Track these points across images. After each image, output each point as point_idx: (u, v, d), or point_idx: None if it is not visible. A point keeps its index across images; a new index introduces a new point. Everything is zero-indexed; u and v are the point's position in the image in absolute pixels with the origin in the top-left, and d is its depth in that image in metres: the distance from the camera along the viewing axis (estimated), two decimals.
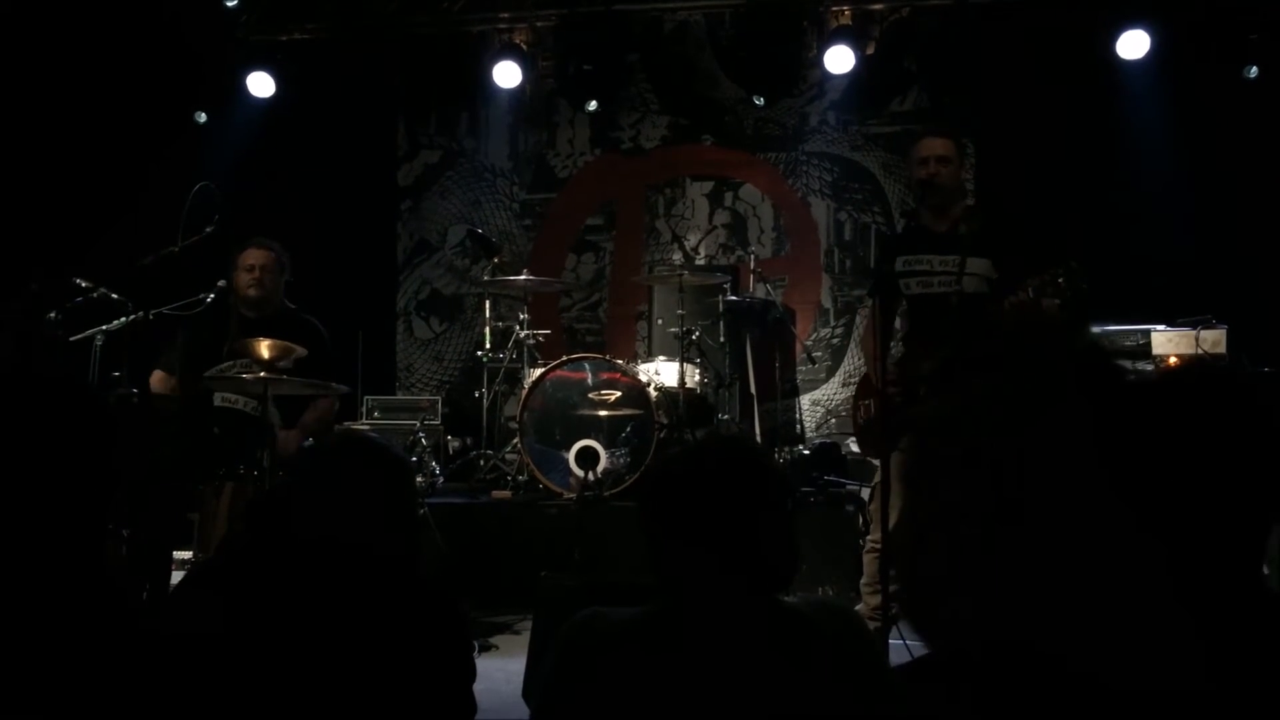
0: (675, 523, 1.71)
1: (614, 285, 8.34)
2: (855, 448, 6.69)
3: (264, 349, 4.42)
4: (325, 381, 4.75)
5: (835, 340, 7.98)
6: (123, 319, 4.84)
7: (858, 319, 7.75)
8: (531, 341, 6.67)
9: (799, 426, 7.64)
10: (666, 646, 1.66)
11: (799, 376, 7.71)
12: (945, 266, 4.25)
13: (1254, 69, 6.72)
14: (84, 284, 4.89)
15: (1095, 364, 1.07)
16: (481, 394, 6.84)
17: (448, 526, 5.46)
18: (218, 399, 4.87)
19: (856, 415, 4.67)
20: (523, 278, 6.63)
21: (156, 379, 5.01)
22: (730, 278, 7.00)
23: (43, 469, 1.46)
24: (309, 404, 5.06)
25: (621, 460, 6.02)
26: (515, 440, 6.36)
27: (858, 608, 4.36)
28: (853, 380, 7.33)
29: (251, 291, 4.97)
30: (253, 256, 5.01)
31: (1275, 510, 1.05)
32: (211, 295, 4.96)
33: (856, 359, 7.58)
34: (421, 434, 5.84)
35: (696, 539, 1.68)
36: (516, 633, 5.05)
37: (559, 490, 6.00)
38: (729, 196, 8.24)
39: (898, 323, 4.59)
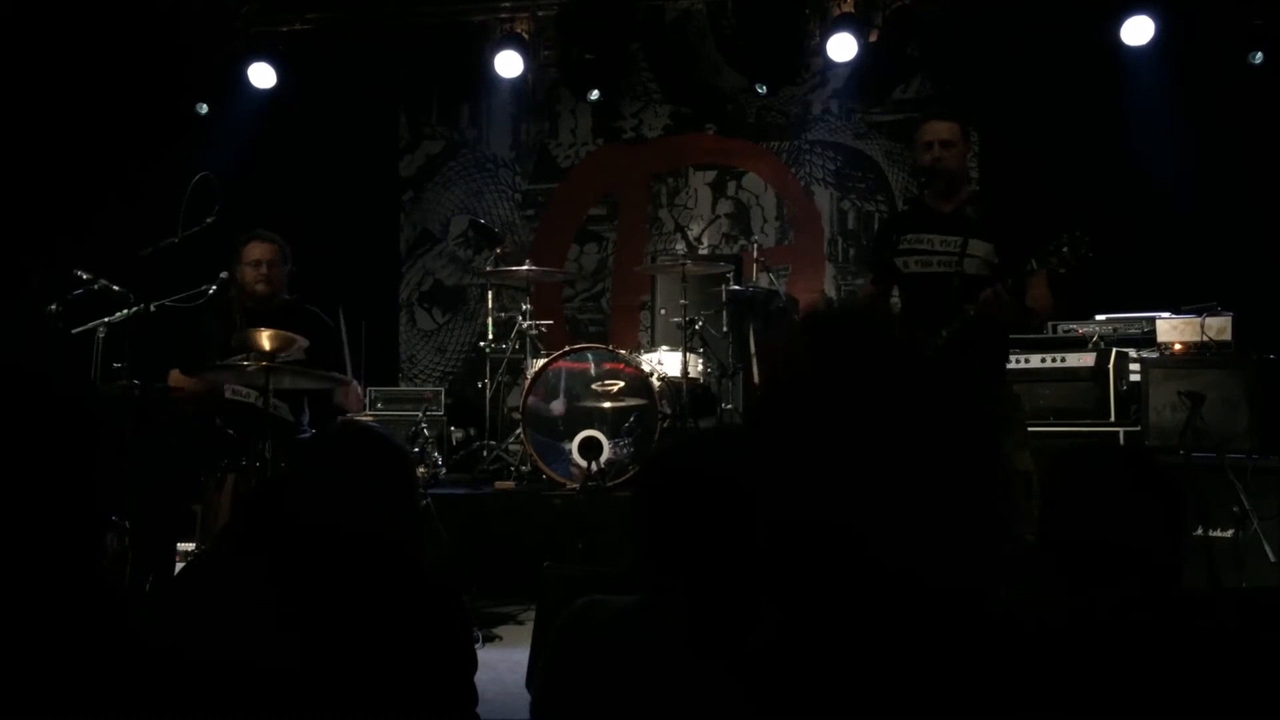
0: (674, 514, 1.69)
1: (617, 275, 8.33)
2: None
3: (266, 340, 4.42)
4: (329, 373, 4.74)
5: None
6: (125, 311, 4.83)
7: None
8: (534, 332, 6.66)
9: None
10: (664, 635, 1.65)
11: None
12: (946, 247, 4.22)
13: (1259, 54, 6.68)
14: (85, 276, 4.88)
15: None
16: (484, 385, 6.83)
17: (450, 517, 5.45)
18: (228, 390, 4.87)
19: None
20: (525, 268, 6.62)
21: (175, 379, 4.98)
22: (733, 267, 6.98)
23: (18, 465, 1.44)
24: (317, 394, 5.05)
25: (625, 450, 6.02)
26: (518, 431, 6.35)
27: None
28: None
29: (259, 287, 4.97)
30: (257, 251, 4.99)
31: None
32: (214, 287, 4.96)
33: None
34: (424, 425, 5.84)
35: (695, 531, 1.67)
36: (520, 623, 5.05)
37: (562, 481, 5.99)
38: (732, 186, 8.22)
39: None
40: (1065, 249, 3.87)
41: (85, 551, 1.54)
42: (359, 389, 5.21)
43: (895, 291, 4.52)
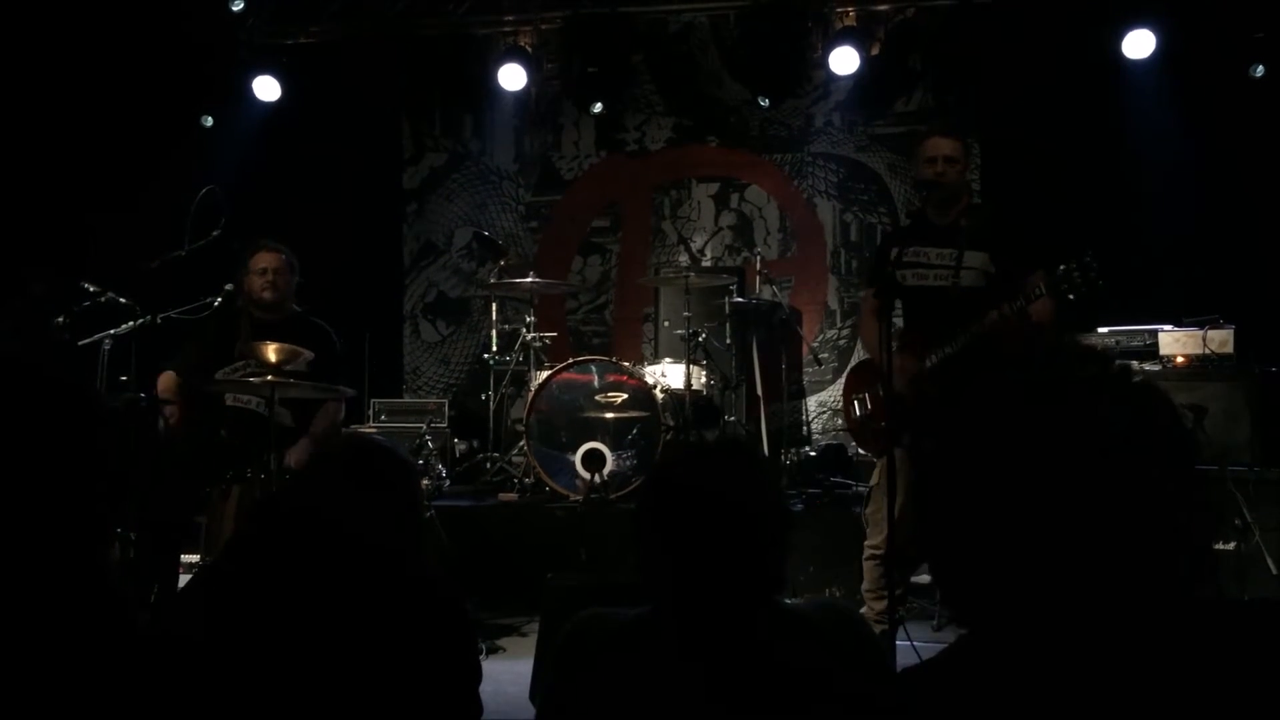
0: (679, 528, 1.70)
1: (620, 287, 8.35)
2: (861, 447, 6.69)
3: (271, 352, 4.44)
4: (332, 385, 4.76)
5: (842, 342, 7.98)
6: (130, 323, 4.85)
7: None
8: (538, 344, 6.67)
9: (805, 428, 7.63)
10: (667, 647, 1.66)
11: (805, 378, 7.70)
12: (942, 260, 4.24)
13: (1260, 68, 6.70)
14: (91, 288, 4.90)
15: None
16: (488, 396, 6.84)
17: (454, 529, 5.46)
18: (229, 399, 4.90)
19: (850, 411, 4.64)
20: (529, 280, 6.64)
21: (165, 380, 5.01)
22: (736, 279, 7.00)
23: (24, 462, 1.45)
24: (320, 407, 5.07)
25: (628, 462, 6.03)
26: (521, 443, 6.36)
27: (861, 610, 4.33)
28: None
29: (266, 295, 5.00)
30: (264, 260, 5.03)
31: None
32: (219, 299, 4.98)
33: (852, 365, 7.57)
34: (428, 437, 5.84)
35: (698, 544, 1.68)
36: (523, 635, 5.06)
37: (565, 492, 6.00)
38: (735, 198, 8.24)
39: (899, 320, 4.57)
40: (1076, 274, 3.89)
41: (91, 560, 1.55)
42: (339, 411, 5.18)
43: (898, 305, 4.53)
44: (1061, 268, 3.95)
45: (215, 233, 4.88)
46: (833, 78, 7.65)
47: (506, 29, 7.76)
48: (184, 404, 4.93)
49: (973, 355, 1.25)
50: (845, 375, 4.86)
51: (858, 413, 4.58)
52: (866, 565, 4.42)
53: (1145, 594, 1.06)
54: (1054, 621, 1.06)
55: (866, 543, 4.42)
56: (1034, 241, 4.28)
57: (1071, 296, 3.97)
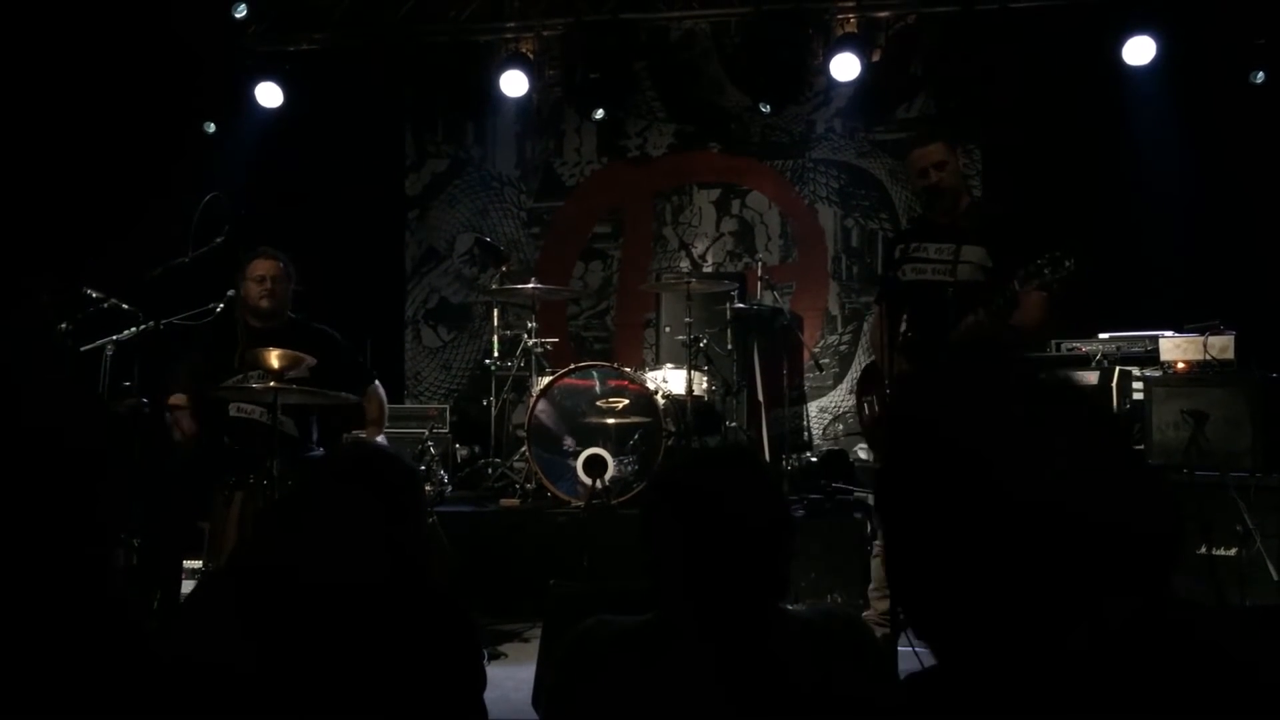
0: (682, 534, 1.71)
1: (621, 293, 8.36)
2: (863, 454, 6.69)
3: (274, 359, 4.45)
4: (336, 391, 4.76)
5: (843, 347, 7.99)
6: (133, 329, 4.85)
7: (865, 322, 7.77)
8: (539, 349, 6.68)
9: (807, 433, 7.64)
10: (670, 654, 1.67)
11: (807, 383, 7.71)
12: (941, 255, 4.26)
13: (1260, 74, 6.72)
14: (94, 294, 4.91)
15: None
16: (489, 402, 6.85)
17: (456, 535, 5.46)
18: (233, 408, 4.90)
19: (861, 413, 4.68)
20: (530, 286, 6.65)
21: (176, 402, 4.99)
22: (738, 285, 7.01)
23: (26, 467, 1.45)
24: (325, 411, 5.08)
25: (629, 468, 6.03)
26: (523, 448, 6.37)
27: (865, 614, 4.36)
28: None
29: (264, 303, 5.00)
30: (262, 267, 5.03)
31: None
32: (221, 305, 4.99)
33: (864, 365, 7.58)
34: (430, 442, 5.85)
35: (701, 550, 1.69)
36: (525, 640, 5.06)
37: (567, 498, 6.01)
38: (736, 204, 8.25)
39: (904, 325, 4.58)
40: (1046, 269, 3.90)
41: (94, 565, 1.55)
42: (381, 393, 5.27)
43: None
44: (1033, 263, 3.94)
45: (218, 240, 4.88)
46: (834, 84, 7.67)
47: (508, 35, 7.78)
48: (198, 421, 4.93)
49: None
50: (859, 376, 4.89)
51: (868, 413, 4.62)
52: (875, 564, 4.48)
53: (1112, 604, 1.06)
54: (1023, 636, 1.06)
55: (877, 542, 4.47)
56: (1029, 237, 4.27)
57: (1044, 290, 3.97)
